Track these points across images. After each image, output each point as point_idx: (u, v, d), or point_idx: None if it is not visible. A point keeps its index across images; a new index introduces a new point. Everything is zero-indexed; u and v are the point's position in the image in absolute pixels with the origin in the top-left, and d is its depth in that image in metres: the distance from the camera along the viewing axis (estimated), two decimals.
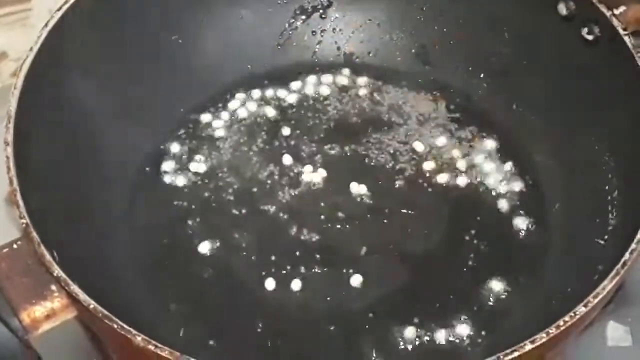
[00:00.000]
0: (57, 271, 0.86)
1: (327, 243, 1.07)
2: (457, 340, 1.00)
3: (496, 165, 1.15)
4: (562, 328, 0.84)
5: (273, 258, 1.06)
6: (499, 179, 1.13)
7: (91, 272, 0.92)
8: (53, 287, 0.88)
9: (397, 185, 1.13)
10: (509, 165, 1.14)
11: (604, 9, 1.05)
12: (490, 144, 1.17)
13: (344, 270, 1.05)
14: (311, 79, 1.23)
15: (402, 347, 0.99)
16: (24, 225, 0.89)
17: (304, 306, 1.03)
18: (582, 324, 0.89)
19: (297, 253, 1.06)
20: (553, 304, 0.98)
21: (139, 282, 1.04)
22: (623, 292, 1.09)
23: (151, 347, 0.82)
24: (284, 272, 1.05)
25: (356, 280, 1.04)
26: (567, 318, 0.84)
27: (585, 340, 1.06)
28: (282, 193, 1.12)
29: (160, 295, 1.04)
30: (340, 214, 1.10)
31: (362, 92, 1.22)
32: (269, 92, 1.22)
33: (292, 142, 1.17)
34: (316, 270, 1.05)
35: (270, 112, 1.20)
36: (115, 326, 0.83)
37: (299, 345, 1.00)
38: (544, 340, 0.83)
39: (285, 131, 1.18)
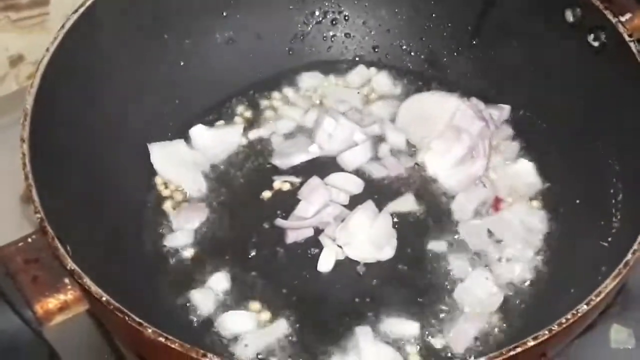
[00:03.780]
0: (71, 264, 0.88)
1: None
2: None
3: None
4: (564, 325, 0.85)
5: None
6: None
7: (103, 266, 0.94)
8: (66, 280, 0.90)
9: None
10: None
11: (610, 16, 1.07)
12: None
13: None
14: (323, 81, 1.26)
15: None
16: (38, 219, 0.91)
17: None
18: (585, 322, 0.90)
19: None
20: (557, 305, 0.99)
21: (150, 277, 1.07)
22: (627, 295, 1.10)
23: (162, 340, 0.84)
24: None
25: None
26: (569, 316, 0.86)
27: (589, 342, 1.07)
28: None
29: (170, 289, 1.06)
30: None
31: (373, 95, 1.25)
32: (279, 95, 1.24)
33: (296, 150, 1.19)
34: None
35: (282, 114, 1.23)
36: (127, 319, 0.85)
37: None
38: (546, 336, 0.84)
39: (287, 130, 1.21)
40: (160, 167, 1.15)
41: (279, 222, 1.11)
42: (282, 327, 1.04)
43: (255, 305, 1.06)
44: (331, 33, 1.27)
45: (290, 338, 1.03)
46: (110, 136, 1.10)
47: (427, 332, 1.03)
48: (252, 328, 1.04)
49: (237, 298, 1.06)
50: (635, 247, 0.90)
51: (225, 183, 1.16)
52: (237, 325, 1.04)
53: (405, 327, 1.04)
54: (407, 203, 1.14)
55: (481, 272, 1.07)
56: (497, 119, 1.18)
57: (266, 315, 1.05)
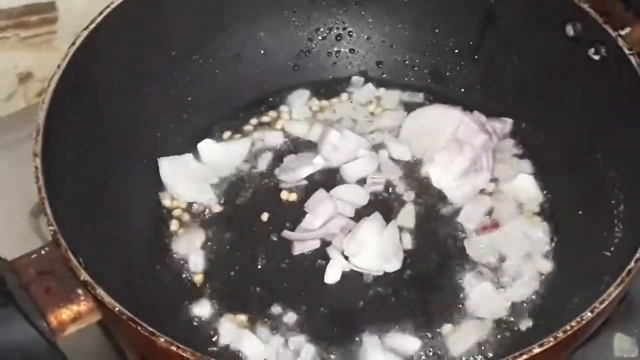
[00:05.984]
0: (84, 275, 0.89)
1: None
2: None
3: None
4: (569, 332, 0.87)
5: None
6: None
7: (115, 277, 0.95)
8: (79, 291, 0.92)
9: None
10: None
11: (609, 30, 1.08)
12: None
13: None
14: (327, 96, 1.27)
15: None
16: (52, 232, 0.92)
17: None
18: (589, 329, 0.92)
19: None
20: (562, 313, 1.00)
21: (159, 289, 1.08)
22: (630, 304, 1.11)
23: (174, 349, 0.85)
24: None
25: None
26: (574, 323, 0.88)
27: (592, 351, 1.07)
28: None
29: (179, 301, 1.08)
30: None
31: (377, 110, 1.26)
32: (285, 109, 1.26)
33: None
34: None
35: (288, 128, 1.24)
36: (139, 328, 0.87)
37: None
38: (551, 344, 0.86)
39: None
40: (169, 181, 1.16)
41: (286, 234, 1.13)
42: (289, 338, 1.05)
43: (263, 316, 1.07)
44: (335, 49, 1.29)
45: (297, 349, 1.04)
46: (119, 151, 1.11)
47: (429, 345, 1.05)
48: (260, 341, 1.05)
49: (245, 310, 1.07)
50: (637, 255, 0.92)
51: (232, 196, 1.18)
52: (246, 339, 1.05)
53: (408, 342, 1.05)
54: (409, 216, 1.15)
55: (485, 283, 1.09)
56: (500, 132, 1.20)
57: (273, 326, 1.06)
